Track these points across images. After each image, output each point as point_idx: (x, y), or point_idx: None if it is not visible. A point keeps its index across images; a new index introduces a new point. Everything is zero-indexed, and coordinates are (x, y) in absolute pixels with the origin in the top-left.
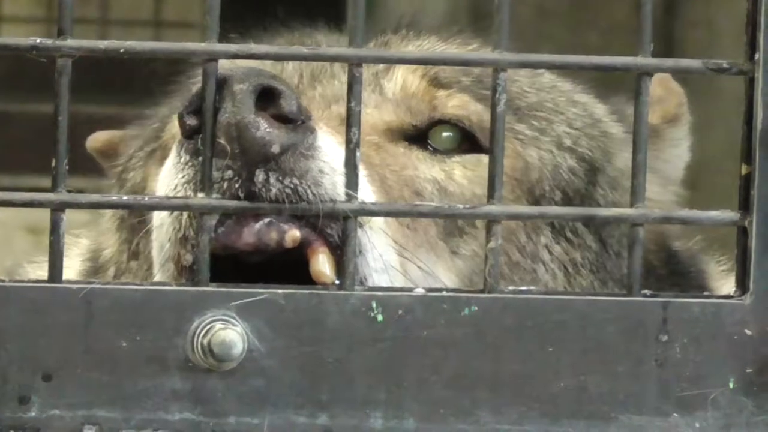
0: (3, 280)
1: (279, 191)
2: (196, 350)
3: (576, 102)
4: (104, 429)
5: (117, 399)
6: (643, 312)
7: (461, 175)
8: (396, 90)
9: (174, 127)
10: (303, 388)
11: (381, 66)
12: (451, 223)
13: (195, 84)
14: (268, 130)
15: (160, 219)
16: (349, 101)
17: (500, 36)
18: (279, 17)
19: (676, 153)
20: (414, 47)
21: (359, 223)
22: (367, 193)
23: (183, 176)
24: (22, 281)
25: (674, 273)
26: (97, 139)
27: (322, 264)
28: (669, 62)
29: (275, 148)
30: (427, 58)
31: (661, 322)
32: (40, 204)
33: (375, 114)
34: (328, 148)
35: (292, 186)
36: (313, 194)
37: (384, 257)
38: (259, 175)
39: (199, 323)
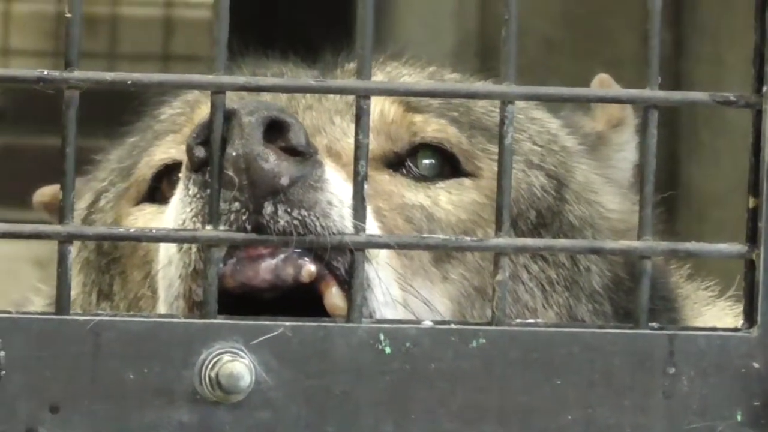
0: (10, 312)
1: (287, 223)
2: (203, 382)
3: (534, 118)
4: None
5: (124, 431)
6: (650, 345)
7: (446, 201)
8: (375, 118)
9: (148, 164)
10: (310, 420)
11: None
12: (440, 249)
13: (157, 119)
14: (276, 162)
15: (168, 257)
16: (357, 134)
17: (507, 69)
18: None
19: (623, 156)
20: (383, 75)
21: (366, 257)
22: (373, 226)
23: (191, 210)
24: (30, 313)
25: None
26: (43, 194)
27: (336, 297)
28: (677, 95)
29: (284, 180)
30: (434, 90)
31: (668, 354)
32: (47, 236)
33: None
34: (336, 181)
35: (300, 218)
36: (322, 226)
37: (390, 290)
38: (268, 207)
39: (207, 355)
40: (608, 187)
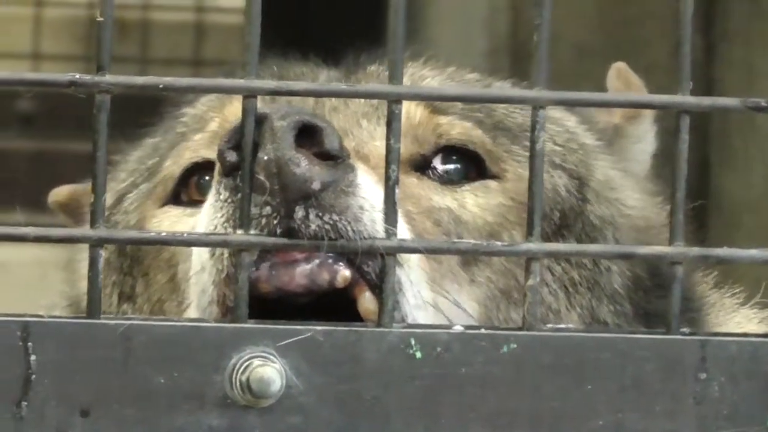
0: (41, 316)
1: (318, 227)
2: (234, 387)
3: (552, 117)
4: None
5: None
6: (682, 350)
7: (473, 203)
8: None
9: (176, 162)
10: (341, 425)
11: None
12: None
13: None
14: (308, 166)
15: (200, 263)
16: (388, 138)
17: (539, 74)
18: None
19: (640, 148)
20: (406, 77)
21: (398, 261)
22: (404, 230)
23: (222, 215)
24: (61, 317)
25: (660, 286)
26: (59, 194)
27: (370, 302)
28: (707, 100)
29: (316, 185)
30: (466, 96)
31: (699, 360)
32: (78, 240)
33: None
34: (367, 185)
35: (331, 222)
36: (353, 231)
37: (422, 294)
38: (299, 212)
39: (238, 360)
40: (627, 183)
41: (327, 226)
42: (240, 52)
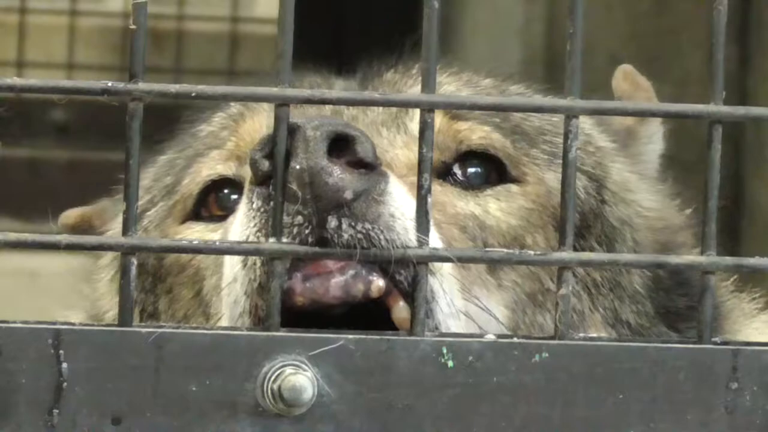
0: (73, 324)
1: (351, 237)
2: (266, 395)
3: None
4: None
5: None
6: (714, 359)
7: (496, 208)
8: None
9: (194, 180)
10: None
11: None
12: None
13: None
14: (341, 176)
15: (233, 274)
16: (420, 147)
17: (572, 83)
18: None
19: (651, 148)
20: (414, 81)
21: (431, 270)
22: (435, 239)
23: (255, 224)
24: (93, 325)
25: (679, 284)
26: (69, 216)
27: (404, 311)
28: (740, 110)
29: (348, 194)
30: (498, 105)
31: (731, 369)
32: (110, 247)
33: (407, 154)
34: (399, 193)
35: (364, 231)
36: (386, 239)
37: (454, 302)
38: (332, 222)
39: (270, 368)
40: (643, 185)
41: (359, 235)
42: (274, 62)
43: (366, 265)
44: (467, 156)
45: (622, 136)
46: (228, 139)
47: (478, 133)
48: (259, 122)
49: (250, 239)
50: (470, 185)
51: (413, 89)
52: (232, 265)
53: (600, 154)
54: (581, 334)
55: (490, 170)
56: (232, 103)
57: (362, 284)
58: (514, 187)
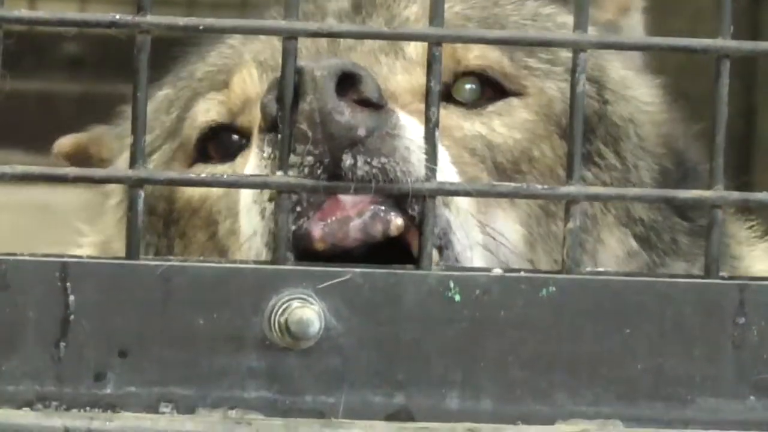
0: (80, 257)
1: (366, 173)
2: (273, 328)
3: (561, 24)
4: (180, 406)
5: (193, 377)
6: (721, 295)
7: (500, 124)
8: (419, 52)
9: (191, 125)
10: (379, 367)
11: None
12: (503, 174)
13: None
14: (351, 114)
15: (252, 227)
16: (428, 80)
17: (580, 17)
18: None
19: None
20: (408, 1)
21: (445, 203)
22: (451, 171)
23: (266, 172)
24: (100, 258)
25: (686, 176)
26: (64, 144)
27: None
28: (748, 45)
29: (361, 131)
30: (507, 38)
31: (738, 304)
32: (117, 180)
33: (407, 79)
34: (411, 126)
35: (379, 166)
36: (402, 171)
37: (470, 234)
38: (347, 160)
39: (277, 301)
40: (639, 79)
41: (375, 170)
42: None
43: (383, 203)
44: (465, 76)
45: (606, 30)
46: (223, 85)
47: (474, 51)
48: (248, 72)
49: (263, 190)
50: (471, 104)
51: (408, 10)
52: (250, 218)
53: (596, 53)
54: (588, 269)
55: (485, 86)
56: (224, 48)
57: (381, 224)
58: (515, 101)
